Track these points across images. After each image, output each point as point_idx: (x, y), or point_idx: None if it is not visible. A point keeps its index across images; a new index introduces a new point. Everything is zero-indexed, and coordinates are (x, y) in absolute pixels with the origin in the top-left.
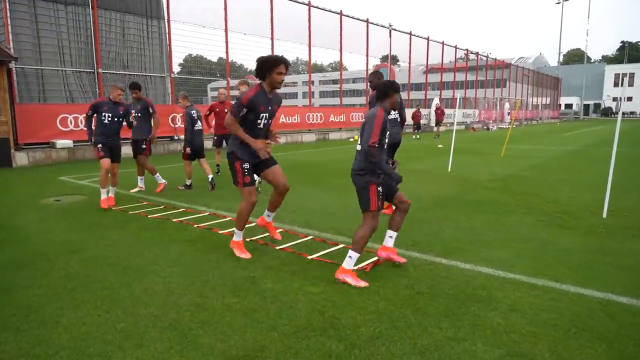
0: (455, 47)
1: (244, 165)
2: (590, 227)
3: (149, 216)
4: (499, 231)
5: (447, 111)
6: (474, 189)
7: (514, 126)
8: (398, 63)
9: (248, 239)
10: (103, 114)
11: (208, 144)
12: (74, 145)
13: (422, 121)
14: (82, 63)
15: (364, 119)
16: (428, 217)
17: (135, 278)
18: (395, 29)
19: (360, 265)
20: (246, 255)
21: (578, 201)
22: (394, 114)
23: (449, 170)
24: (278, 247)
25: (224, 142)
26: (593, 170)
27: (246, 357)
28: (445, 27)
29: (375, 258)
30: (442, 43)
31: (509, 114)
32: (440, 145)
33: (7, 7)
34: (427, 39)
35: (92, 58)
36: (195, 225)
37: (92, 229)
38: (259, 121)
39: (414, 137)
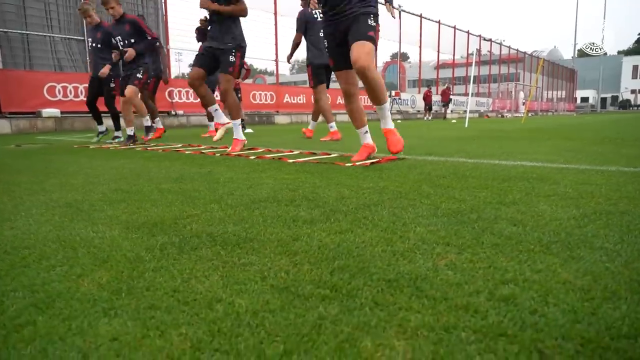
0: (468, 33)
1: None
2: None
3: (110, 148)
4: (539, 147)
5: (460, 99)
6: (499, 133)
7: (529, 116)
8: (408, 60)
9: (218, 153)
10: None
11: None
12: (61, 115)
13: (435, 107)
14: (72, 30)
15: None
16: (447, 144)
17: (55, 176)
18: (405, 10)
19: (359, 162)
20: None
21: (628, 135)
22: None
23: (466, 126)
24: (253, 157)
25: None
26: (634, 126)
27: (159, 224)
28: (456, 22)
29: (377, 159)
30: (454, 27)
31: (523, 103)
32: (454, 121)
33: None
34: (439, 22)
35: (82, 25)
36: (161, 149)
37: (38, 156)
38: None
39: (425, 118)
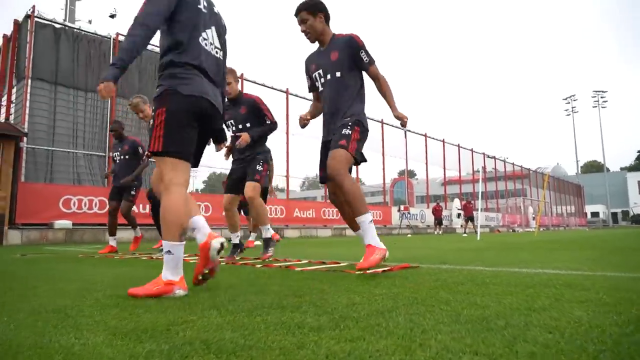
0: (472, 151)
1: None
2: None
3: (107, 257)
4: (558, 257)
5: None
6: (513, 245)
7: (541, 231)
8: (415, 177)
9: (223, 262)
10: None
11: None
12: (72, 227)
13: (445, 222)
14: (95, 147)
15: None
16: (461, 254)
17: (51, 283)
18: (410, 130)
19: (370, 271)
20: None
21: None
22: None
23: (478, 239)
24: (259, 265)
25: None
26: None
27: (149, 330)
28: (460, 140)
29: (389, 267)
30: (458, 146)
31: (533, 218)
32: (465, 234)
33: (29, 90)
34: (443, 141)
35: (104, 142)
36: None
37: (40, 264)
38: None
39: (436, 232)
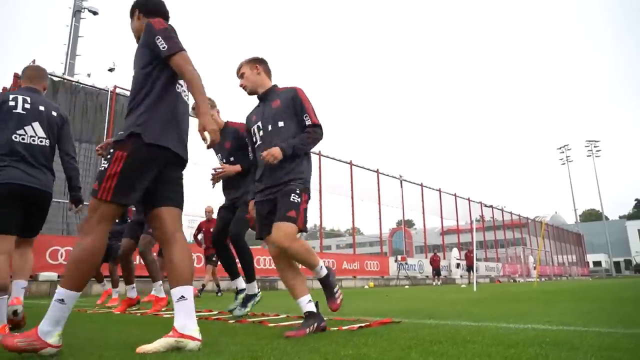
0: (469, 200)
1: None
2: None
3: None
4: (553, 309)
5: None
6: (510, 295)
7: (541, 281)
8: (414, 227)
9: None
10: None
11: None
12: (57, 279)
13: (444, 272)
14: (87, 197)
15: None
16: (452, 306)
17: None
18: (406, 180)
19: (346, 327)
20: None
21: None
22: None
23: (474, 290)
24: (232, 321)
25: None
26: None
27: None
28: (457, 189)
29: (367, 323)
30: (455, 195)
31: (534, 268)
32: (463, 285)
33: None
34: (439, 190)
35: None
36: (140, 313)
37: None
38: None
39: (434, 283)
